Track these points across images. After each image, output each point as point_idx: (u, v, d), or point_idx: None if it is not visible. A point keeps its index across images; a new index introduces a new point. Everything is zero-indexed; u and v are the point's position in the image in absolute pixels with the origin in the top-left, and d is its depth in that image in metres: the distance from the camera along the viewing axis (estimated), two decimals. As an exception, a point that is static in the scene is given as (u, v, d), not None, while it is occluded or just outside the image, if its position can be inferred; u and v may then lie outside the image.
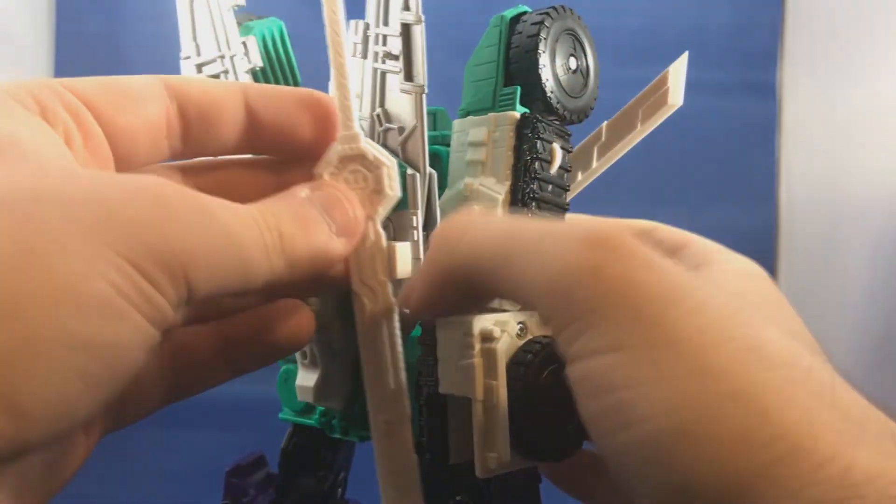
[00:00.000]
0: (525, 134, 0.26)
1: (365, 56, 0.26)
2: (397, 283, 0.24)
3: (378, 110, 0.25)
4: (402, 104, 0.25)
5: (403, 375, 0.24)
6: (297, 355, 0.29)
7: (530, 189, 0.26)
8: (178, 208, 0.18)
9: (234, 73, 0.29)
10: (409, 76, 0.25)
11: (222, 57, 0.29)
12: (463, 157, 0.27)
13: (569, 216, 0.27)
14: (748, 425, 0.16)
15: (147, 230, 0.17)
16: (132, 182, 0.18)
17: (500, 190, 0.26)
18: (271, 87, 0.23)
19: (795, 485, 0.16)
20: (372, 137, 0.26)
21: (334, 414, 0.29)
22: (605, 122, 0.32)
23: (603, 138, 0.32)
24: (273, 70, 0.30)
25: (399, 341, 0.24)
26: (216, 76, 0.29)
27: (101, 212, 0.17)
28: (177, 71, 0.29)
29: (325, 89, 0.31)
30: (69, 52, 0.79)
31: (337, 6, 0.22)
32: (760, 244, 0.81)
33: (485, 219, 0.22)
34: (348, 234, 0.22)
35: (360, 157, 0.23)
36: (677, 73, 0.31)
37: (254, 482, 0.34)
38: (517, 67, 0.26)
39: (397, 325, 0.24)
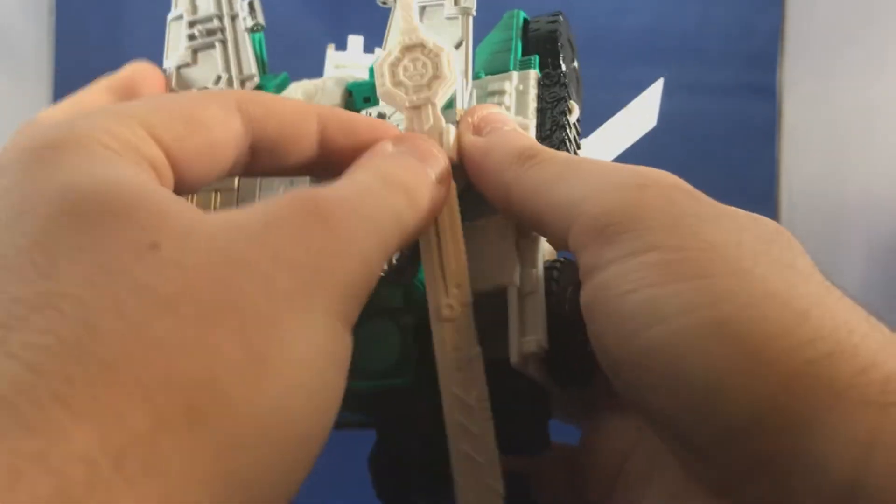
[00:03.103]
0: (547, 85, 0.27)
1: None
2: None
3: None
4: (438, 33, 0.26)
5: (465, 259, 0.23)
6: None
7: (560, 127, 0.26)
8: (340, 224, 0.17)
9: (234, 32, 0.28)
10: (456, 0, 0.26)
11: (220, 16, 0.28)
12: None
13: None
14: (788, 323, 0.16)
15: (338, 268, 0.16)
16: (284, 215, 0.16)
17: (529, 124, 0.26)
18: (346, 115, 0.22)
19: (837, 385, 0.15)
20: None
21: None
22: (583, 139, 0.34)
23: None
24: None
25: (459, 224, 0.23)
26: (213, 31, 0.28)
27: (291, 270, 0.15)
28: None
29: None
30: (69, 52, 0.79)
31: None
32: (760, 245, 0.81)
33: (550, 152, 0.22)
34: (444, 181, 0.22)
35: (420, 46, 0.24)
36: (652, 97, 0.33)
37: None
38: (535, 50, 0.28)
39: (457, 206, 0.23)
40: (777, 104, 0.83)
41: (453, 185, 0.23)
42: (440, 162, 0.22)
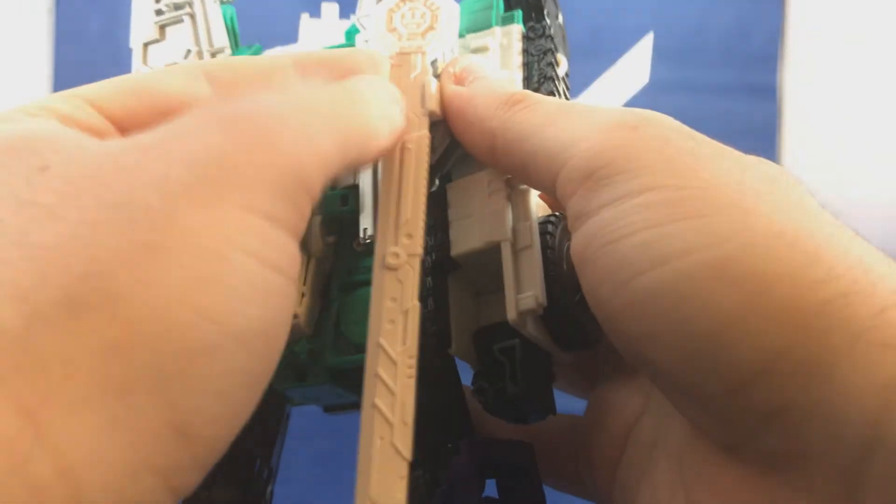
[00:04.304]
0: (532, 38, 0.26)
1: None
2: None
3: None
4: None
5: (423, 212, 0.21)
6: None
7: (548, 78, 0.25)
8: (252, 123, 0.15)
9: (203, 6, 0.27)
10: None
11: None
12: None
13: None
14: (798, 263, 0.15)
15: (250, 163, 0.14)
16: (187, 125, 0.15)
17: (515, 77, 0.25)
18: (322, 53, 0.21)
19: (855, 327, 0.14)
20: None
21: (298, 352, 0.24)
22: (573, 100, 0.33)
23: None
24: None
25: (426, 175, 0.22)
26: (181, 5, 0.27)
27: (189, 167, 0.14)
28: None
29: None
30: (69, 52, 0.79)
31: None
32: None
33: (538, 96, 0.21)
34: (400, 106, 0.21)
35: None
36: (642, 52, 0.32)
37: None
38: (517, 6, 0.27)
39: (427, 157, 0.22)
40: (777, 104, 0.83)
41: (425, 134, 0.22)
42: (392, 91, 0.21)
